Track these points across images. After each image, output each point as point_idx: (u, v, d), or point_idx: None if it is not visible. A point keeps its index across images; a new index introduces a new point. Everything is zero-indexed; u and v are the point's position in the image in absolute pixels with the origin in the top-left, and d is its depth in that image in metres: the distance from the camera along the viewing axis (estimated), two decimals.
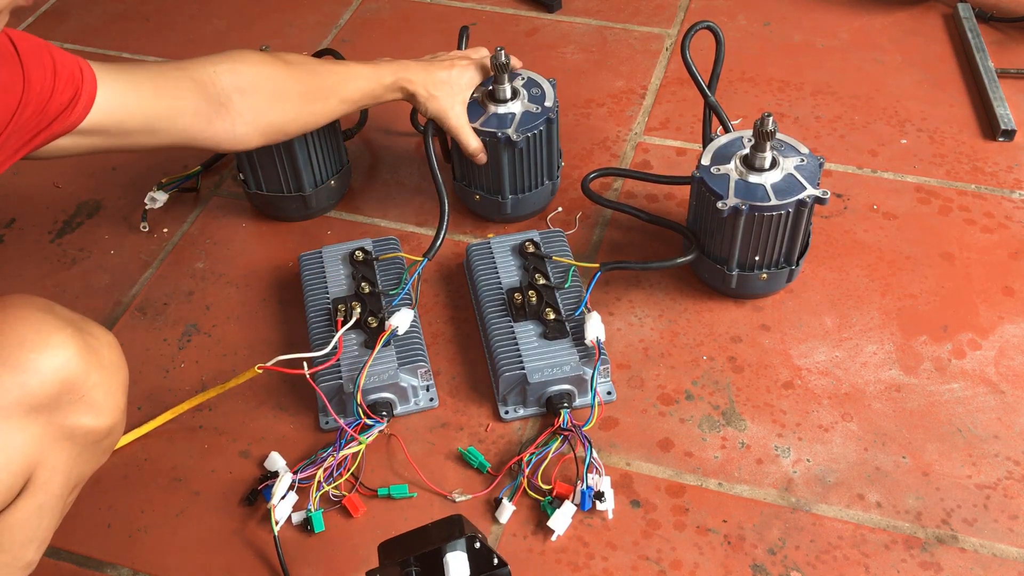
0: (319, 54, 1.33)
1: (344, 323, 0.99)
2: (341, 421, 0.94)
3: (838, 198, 1.22)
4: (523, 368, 0.95)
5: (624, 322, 1.08)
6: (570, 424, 0.94)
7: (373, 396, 0.96)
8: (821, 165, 1.02)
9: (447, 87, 1.08)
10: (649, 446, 0.96)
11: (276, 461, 0.95)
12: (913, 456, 0.94)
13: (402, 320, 0.97)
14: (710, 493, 0.92)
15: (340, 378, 0.95)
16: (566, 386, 0.96)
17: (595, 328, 0.96)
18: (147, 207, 1.22)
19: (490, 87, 1.11)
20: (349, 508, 0.91)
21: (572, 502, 0.89)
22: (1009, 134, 1.28)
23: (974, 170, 1.25)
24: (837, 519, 0.90)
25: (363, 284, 1.03)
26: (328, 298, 1.04)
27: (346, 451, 0.92)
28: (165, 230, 1.23)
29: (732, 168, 1.03)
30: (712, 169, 1.03)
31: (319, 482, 0.91)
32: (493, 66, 1.08)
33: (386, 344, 0.97)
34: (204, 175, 1.29)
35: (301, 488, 0.92)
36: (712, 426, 0.98)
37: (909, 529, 0.89)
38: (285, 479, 0.90)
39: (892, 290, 1.10)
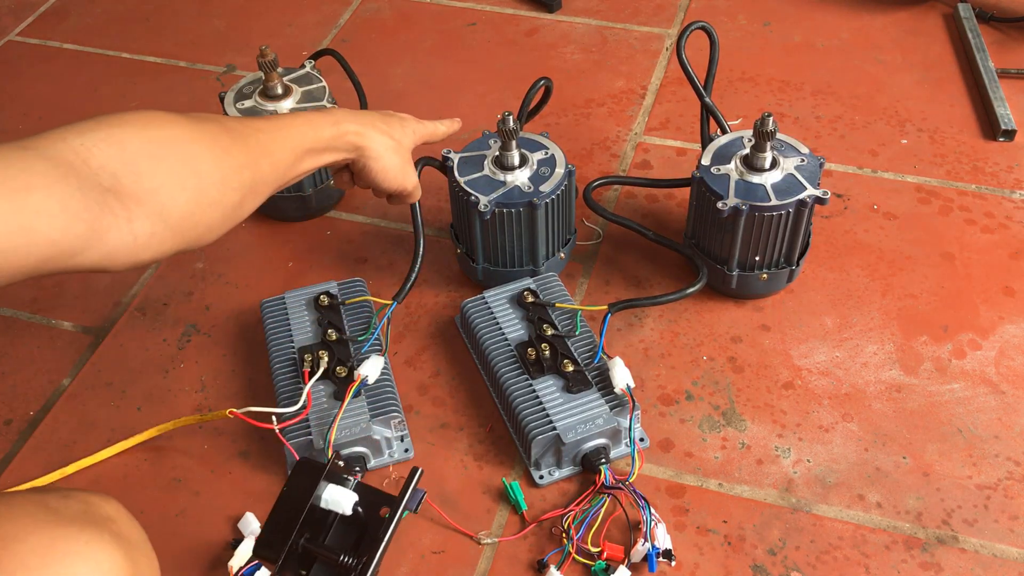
0: (319, 54, 1.33)
1: (312, 375, 0.94)
2: None
3: (838, 198, 1.22)
4: (555, 428, 0.90)
5: (624, 322, 1.08)
6: (614, 481, 0.90)
7: (345, 451, 0.91)
8: (821, 165, 1.02)
9: (402, 145, 0.90)
10: (649, 446, 0.96)
11: (250, 523, 0.90)
12: (913, 456, 0.94)
13: (372, 368, 0.93)
14: (710, 493, 0.92)
15: (310, 434, 0.91)
16: (601, 440, 0.91)
17: (622, 375, 0.92)
18: None
19: (497, 152, 1.04)
20: None
21: (626, 566, 0.85)
22: (1009, 134, 1.28)
23: (974, 170, 1.25)
24: (837, 519, 0.90)
25: (330, 331, 0.98)
26: (293, 347, 0.98)
27: None
28: None
29: (732, 168, 1.03)
30: (712, 169, 1.03)
31: None
32: (500, 132, 1.01)
33: (356, 395, 0.92)
34: None
35: None
36: (712, 426, 0.98)
37: (909, 529, 0.89)
38: (247, 544, 0.85)
39: (892, 290, 1.10)
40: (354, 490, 0.73)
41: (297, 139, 0.79)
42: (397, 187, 0.91)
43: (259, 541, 0.71)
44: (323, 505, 0.72)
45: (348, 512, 0.72)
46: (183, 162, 0.65)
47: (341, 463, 0.73)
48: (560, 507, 0.90)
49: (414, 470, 0.74)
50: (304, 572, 0.72)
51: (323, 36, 1.55)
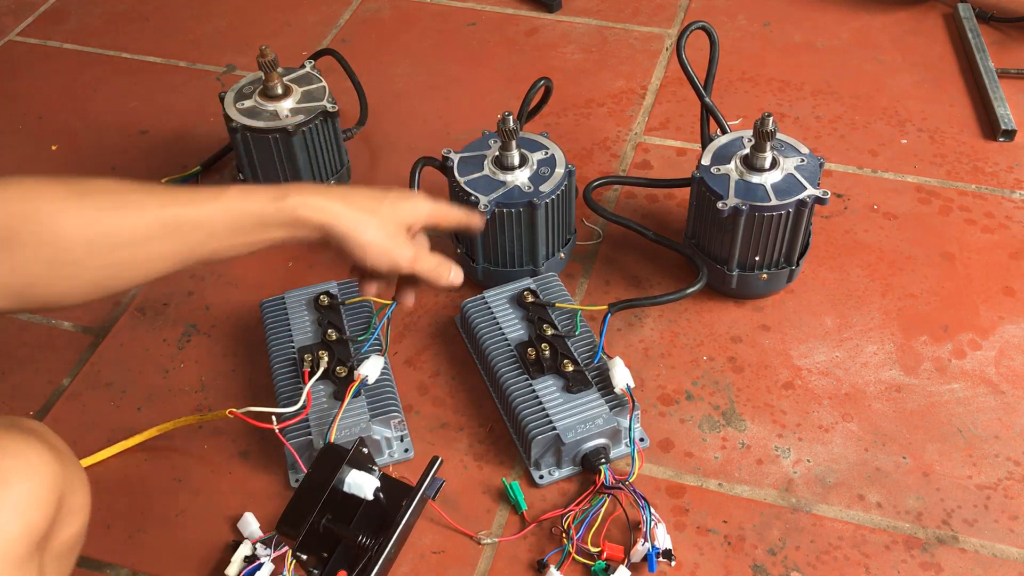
0: (319, 54, 1.33)
1: (311, 374, 0.93)
2: None
3: (838, 198, 1.22)
4: (554, 428, 0.90)
5: (624, 322, 1.08)
6: (614, 481, 0.90)
7: None
8: (821, 165, 1.02)
9: (387, 221, 0.79)
10: (649, 446, 0.96)
11: (249, 523, 0.90)
12: (913, 456, 0.94)
13: (372, 368, 0.93)
14: (710, 493, 0.92)
15: (310, 434, 0.91)
16: (601, 440, 0.90)
17: (622, 375, 0.92)
18: None
19: (497, 152, 1.04)
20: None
21: (626, 566, 0.84)
22: (1009, 134, 1.28)
23: (974, 170, 1.25)
24: (837, 519, 0.90)
25: (330, 331, 0.98)
26: (293, 347, 0.98)
27: None
28: None
29: (732, 168, 1.03)
30: (712, 169, 1.03)
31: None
32: (500, 132, 1.01)
33: (356, 395, 0.92)
34: (204, 175, 1.29)
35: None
36: (712, 426, 0.98)
37: (909, 529, 0.89)
38: (243, 551, 0.86)
39: (892, 290, 1.10)
40: (377, 478, 0.73)
41: (220, 215, 0.71)
42: (386, 265, 0.80)
43: (282, 519, 0.71)
44: (346, 489, 0.72)
45: (370, 496, 0.72)
46: (35, 232, 0.62)
47: (365, 450, 0.74)
48: (560, 507, 0.90)
49: (434, 459, 0.75)
50: (326, 554, 0.72)
51: (323, 36, 1.55)
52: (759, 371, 1.02)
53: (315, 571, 0.73)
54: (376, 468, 0.75)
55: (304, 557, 0.72)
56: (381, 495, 0.73)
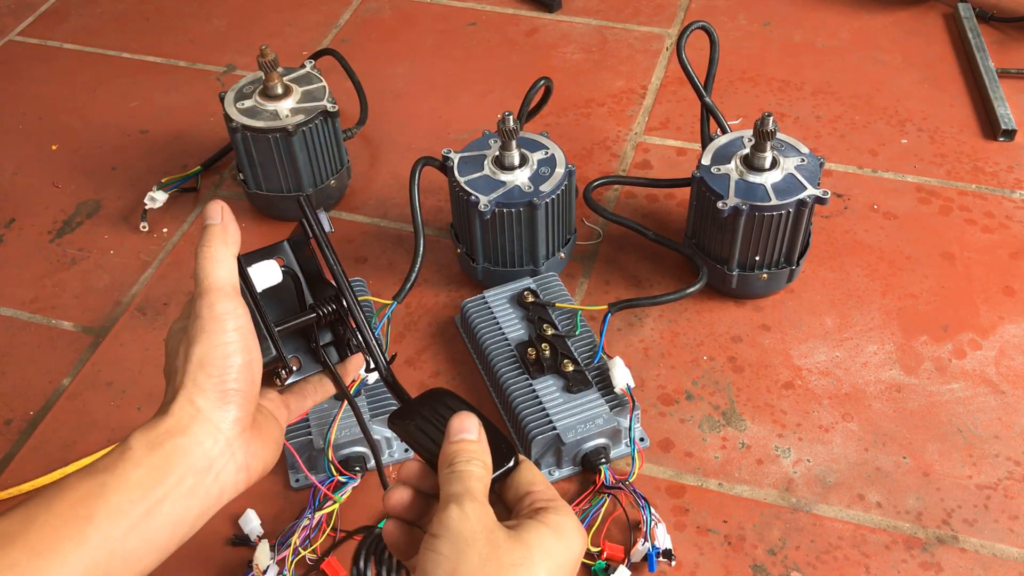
0: (319, 54, 1.33)
1: None
2: (315, 479, 0.88)
3: (838, 198, 1.22)
4: (555, 428, 0.89)
5: (624, 322, 1.08)
6: (614, 481, 0.90)
7: (345, 451, 0.90)
8: (821, 165, 1.02)
9: None
10: (649, 446, 0.96)
11: (250, 520, 0.89)
12: (913, 456, 0.94)
13: None
14: (710, 493, 0.92)
15: (310, 434, 0.91)
16: (601, 440, 0.90)
17: (622, 375, 0.92)
18: (147, 207, 1.22)
19: (497, 152, 1.04)
20: (328, 572, 0.85)
21: (626, 566, 0.84)
22: (1010, 134, 1.28)
23: (974, 170, 1.25)
24: (837, 519, 0.90)
25: None
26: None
27: (321, 511, 0.87)
28: (165, 230, 1.23)
29: (732, 168, 1.03)
30: (712, 169, 1.03)
31: (295, 548, 0.84)
32: (500, 131, 1.00)
33: (356, 395, 0.92)
34: (204, 175, 1.29)
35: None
36: (712, 426, 0.98)
37: (909, 529, 0.89)
38: (263, 552, 0.84)
39: (892, 290, 1.10)
40: (264, 257, 0.69)
41: None
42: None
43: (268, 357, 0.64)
44: (261, 289, 0.67)
45: (279, 277, 0.68)
46: None
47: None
48: None
49: (299, 199, 0.71)
50: (314, 345, 0.68)
51: (323, 36, 1.55)
52: (759, 371, 1.02)
53: (297, 370, 0.66)
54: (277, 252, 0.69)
55: (295, 368, 0.66)
56: (295, 267, 0.69)
